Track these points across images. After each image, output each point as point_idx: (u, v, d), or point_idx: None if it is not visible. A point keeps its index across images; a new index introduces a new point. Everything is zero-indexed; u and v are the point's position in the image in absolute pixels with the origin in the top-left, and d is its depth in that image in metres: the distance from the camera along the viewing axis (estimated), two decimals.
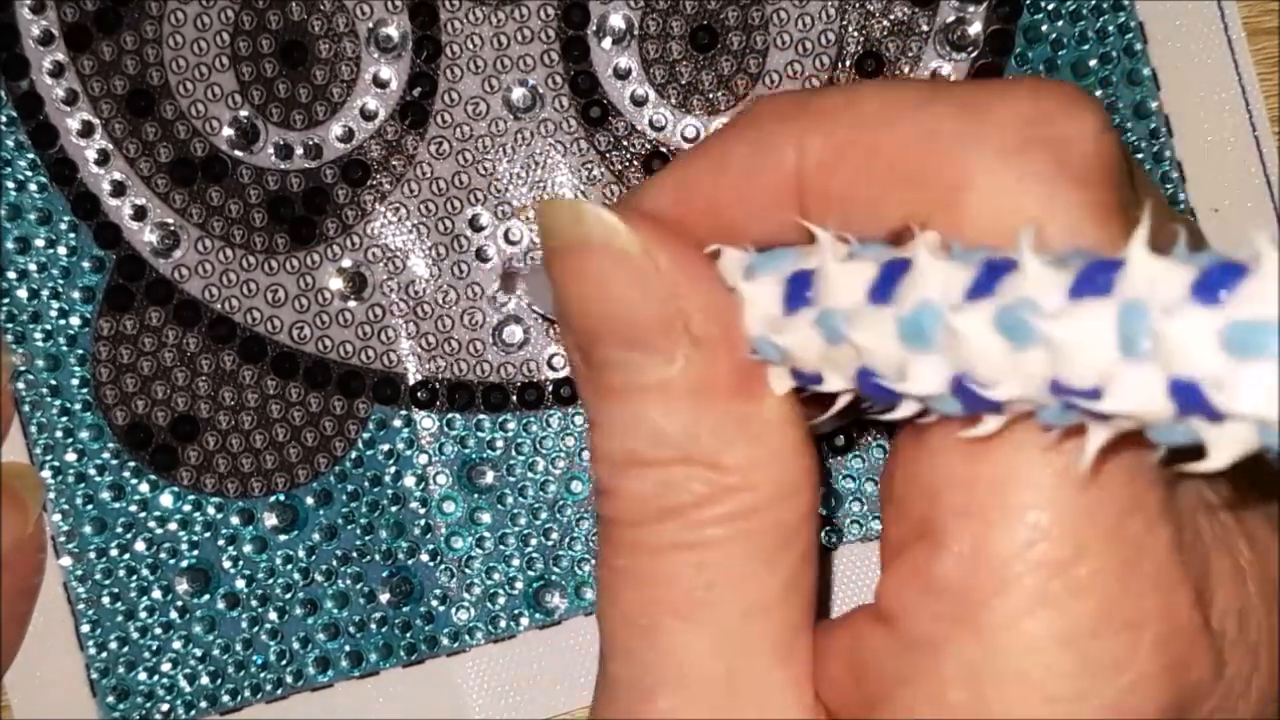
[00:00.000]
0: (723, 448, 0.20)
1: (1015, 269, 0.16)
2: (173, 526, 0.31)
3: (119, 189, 0.31)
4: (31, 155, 0.31)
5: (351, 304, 0.31)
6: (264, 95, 0.31)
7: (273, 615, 0.31)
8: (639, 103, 0.31)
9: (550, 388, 0.31)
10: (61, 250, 0.31)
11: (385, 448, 0.31)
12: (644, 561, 0.20)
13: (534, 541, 0.31)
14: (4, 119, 0.31)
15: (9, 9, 0.30)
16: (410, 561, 0.31)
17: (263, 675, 0.31)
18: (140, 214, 0.31)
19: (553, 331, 0.31)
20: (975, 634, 0.18)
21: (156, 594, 0.31)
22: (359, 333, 0.31)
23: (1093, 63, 0.31)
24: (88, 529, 0.31)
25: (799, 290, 0.19)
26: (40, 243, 0.31)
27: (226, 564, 0.31)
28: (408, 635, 0.31)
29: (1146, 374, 0.15)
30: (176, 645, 0.31)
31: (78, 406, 0.31)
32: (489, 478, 0.31)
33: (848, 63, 0.31)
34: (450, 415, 0.31)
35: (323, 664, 0.31)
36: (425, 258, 0.31)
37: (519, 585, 0.31)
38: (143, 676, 0.31)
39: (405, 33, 0.31)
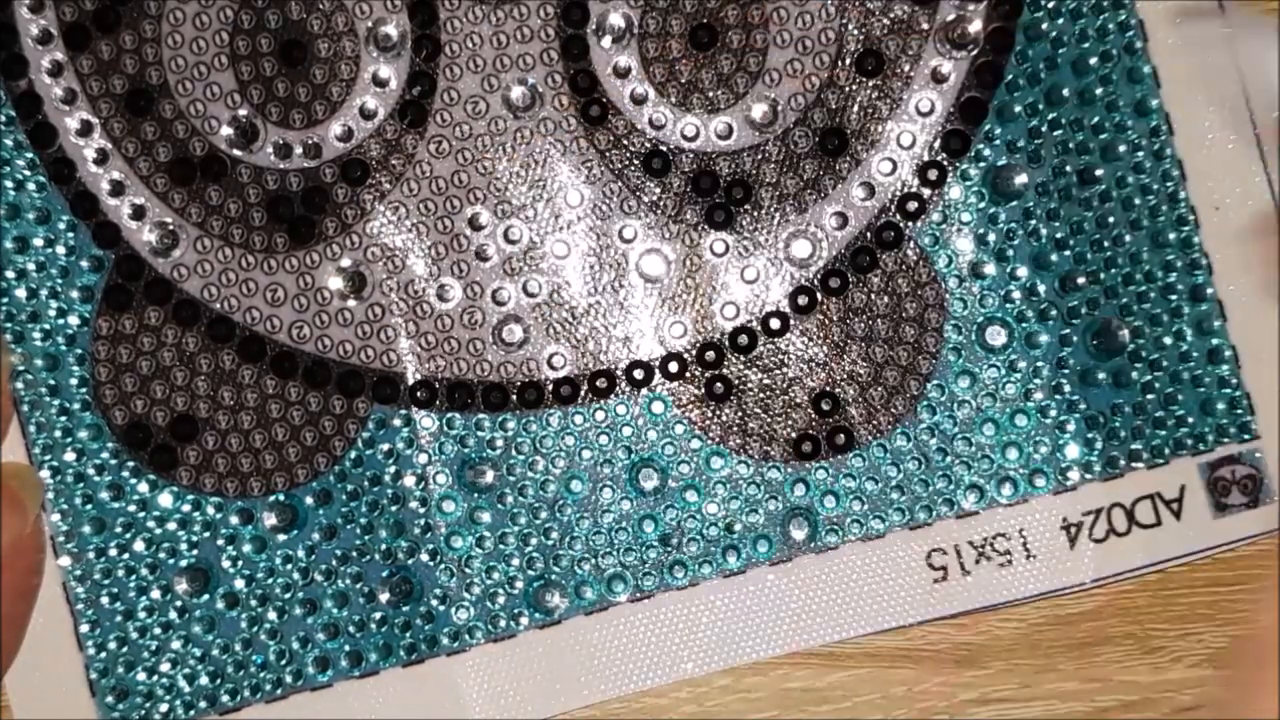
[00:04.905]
0: None
1: None
2: (172, 526, 0.31)
3: (118, 188, 0.31)
4: (30, 154, 0.31)
5: (351, 303, 0.31)
6: (263, 94, 0.31)
7: (272, 615, 0.31)
8: (639, 101, 0.31)
9: (550, 387, 0.31)
10: (60, 250, 0.31)
11: (385, 447, 0.31)
12: None
13: (534, 541, 0.31)
14: (3, 118, 0.31)
15: (8, 8, 0.30)
16: (410, 561, 0.31)
17: (262, 675, 0.31)
18: (139, 213, 0.31)
19: (552, 330, 0.31)
20: None
21: (156, 594, 0.31)
22: (358, 332, 0.31)
23: (1093, 60, 0.31)
24: (87, 529, 0.31)
25: None
26: (39, 242, 0.31)
27: (226, 564, 0.31)
28: (407, 635, 0.31)
29: None
30: (176, 645, 0.31)
31: (76, 406, 0.31)
32: (489, 477, 0.31)
33: (847, 61, 0.31)
34: (450, 414, 0.31)
35: (322, 664, 0.31)
36: (425, 257, 0.31)
37: (519, 585, 0.31)
38: (142, 676, 0.31)
39: (404, 32, 0.31)
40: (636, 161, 0.31)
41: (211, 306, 0.31)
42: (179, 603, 0.31)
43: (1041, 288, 0.31)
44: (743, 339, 0.31)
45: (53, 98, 0.31)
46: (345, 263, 0.31)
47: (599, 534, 0.31)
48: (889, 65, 0.31)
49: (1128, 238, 0.31)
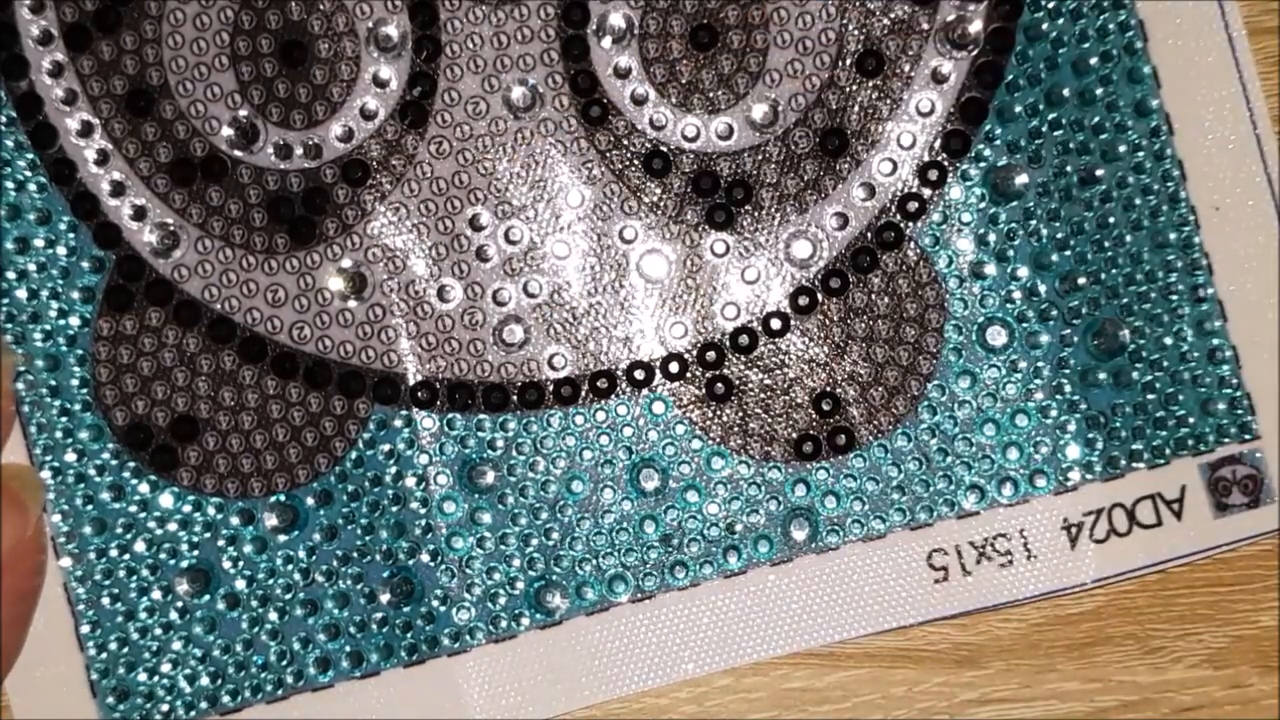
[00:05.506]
0: None
1: None
2: (173, 527, 0.31)
3: (118, 189, 0.31)
4: (31, 155, 0.31)
5: (351, 304, 0.31)
6: (263, 95, 0.31)
7: (273, 616, 0.31)
8: (639, 102, 0.31)
9: (551, 387, 0.31)
10: (61, 250, 0.31)
11: (386, 448, 0.31)
12: None
13: (535, 541, 0.31)
14: (3, 119, 0.31)
15: (8, 9, 0.30)
16: (411, 562, 0.31)
17: (263, 676, 0.31)
18: (140, 214, 0.31)
19: (553, 331, 0.31)
20: None
21: (156, 595, 0.31)
22: (359, 333, 0.31)
23: (1093, 60, 0.31)
24: (88, 529, 0.31)
25: None
26: (39, 243, 0.31)
27: (227, 564, 0.31)
28: (408, 635, 0.31)
29: None
30: (177, 646, 0.31)
31: (77, 407, 0.31)
32: (489, 478, 0.31)
33: (848, 61, 0.31)
34: (450, 415, 0.31)
35: (323, 664, 0.31)
36: (425, 257, 0.31)
37: (519, 585, 0.31)
38: (143, 677, 0.31)
39: (405, 32, 0.31)
40: (637, 162, 0.31)
41: (212, 307, 0.31)
42: (180, 603, 0.31)
43: (1042, 288, 0.31)
44: (743, 339, 0.31)
45: (53, 98, 0.31)
46: (346, 263, 0.31)
47: (600, 534, 0.31)
48: (889, 65, 0.31)
49: (1128, 238, 0.31)
